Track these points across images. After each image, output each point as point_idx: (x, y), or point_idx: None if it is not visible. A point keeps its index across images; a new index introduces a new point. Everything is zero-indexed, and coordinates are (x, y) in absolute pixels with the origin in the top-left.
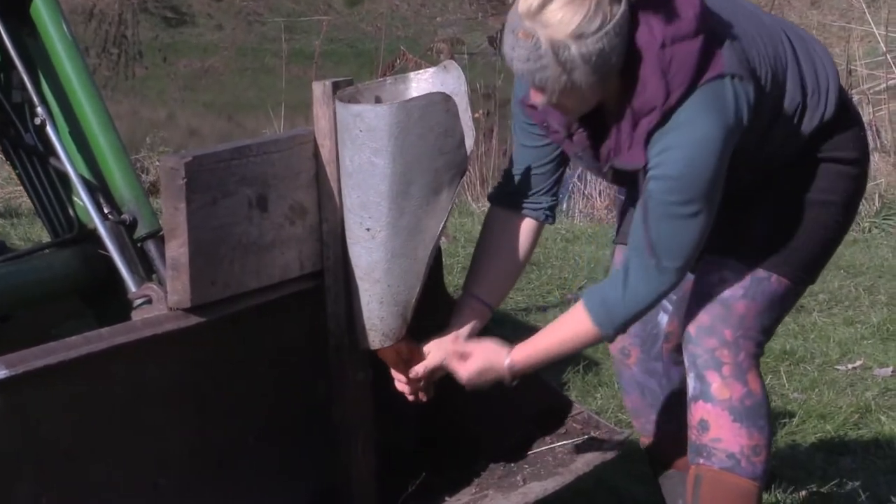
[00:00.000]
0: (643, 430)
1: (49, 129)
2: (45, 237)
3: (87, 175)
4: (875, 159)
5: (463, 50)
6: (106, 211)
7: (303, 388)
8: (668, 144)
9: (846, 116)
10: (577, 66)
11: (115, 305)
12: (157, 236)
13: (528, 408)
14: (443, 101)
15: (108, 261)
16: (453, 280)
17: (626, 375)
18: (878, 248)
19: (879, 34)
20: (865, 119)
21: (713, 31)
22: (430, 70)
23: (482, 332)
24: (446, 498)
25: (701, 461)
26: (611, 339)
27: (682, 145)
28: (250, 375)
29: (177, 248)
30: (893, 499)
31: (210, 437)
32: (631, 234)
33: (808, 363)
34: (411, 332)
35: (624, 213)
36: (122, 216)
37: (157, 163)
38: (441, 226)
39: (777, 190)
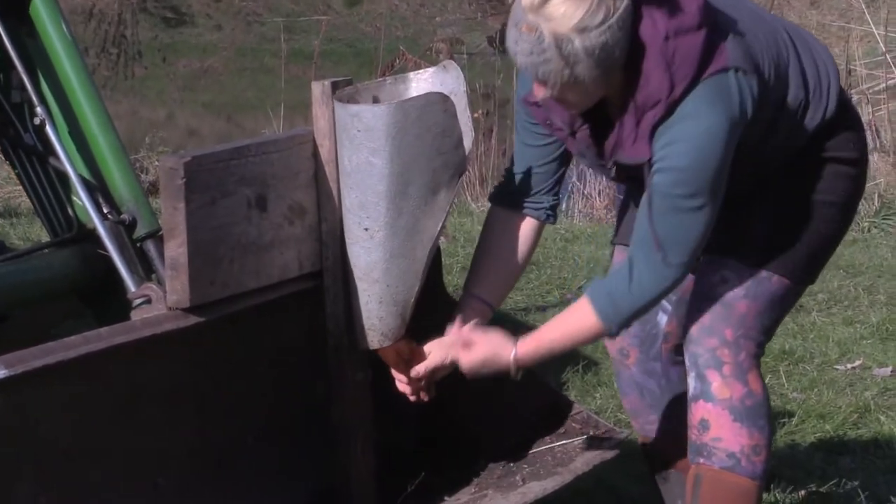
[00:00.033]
0: (642, 430)
1: (48, 129)
2: (45, 237)
3: (86, 175)
4: (874, 159)
5: (462, 50)
6: (105, 211)
7: (302, 388)
8: (673, 137)
9: (846, 116)
10: (581, 59)
11: (114, 305)
12: (157, 236)
13: (527, 408)
14: (441, 101)
15: (108, 261)
16: (452, 280)
17: (624, 376)
18: (878, 248)
19: (879, 34)
20: (865, 119)
21: (716, 26)
22: (430, 70)
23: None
24: (445, 497)
25: (701, 461)
26: (614, 335)
27: (688, 137)
28: (249, 375)
29: (176, 248)
30: (893, 498)
31: (209, 437)
32: (635, 229)
33: (807, 363)
34: (411, 332)
35: (623, 213)
36: (122, 216)
37: (157, 163)
38: (439, 226)
39: (778, 190)
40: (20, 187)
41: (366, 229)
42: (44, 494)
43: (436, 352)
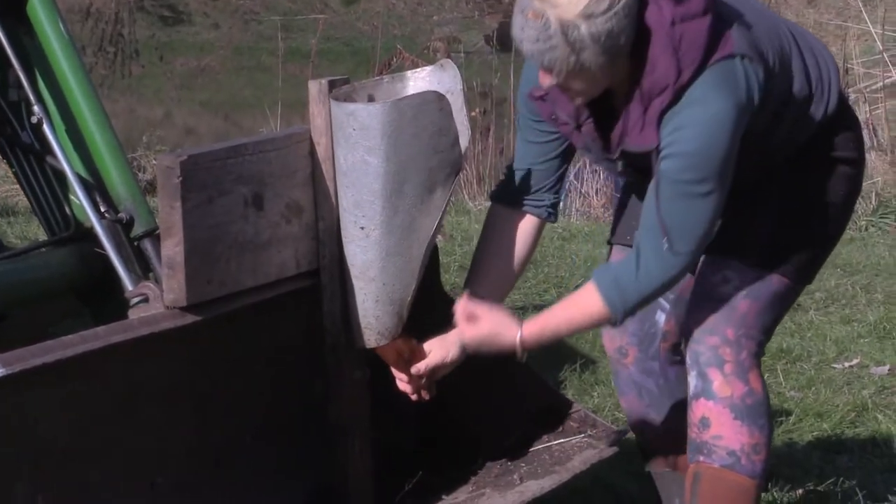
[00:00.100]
0: (640, 430)
1: (45, 128)
2: (42, 236)
3: (83, 173)
4: (872, 158)
5: (459, 48)
6: (102, 209)
7: (299, 387)
8: (681, 122)
9: (845, 116)
10: (587, 45)
11: (111, 304)
12: (154, 235)
13: (525, 406)
14: (436, 99)
15: (105, 259)
16: (450, 278)
17: (623, 375)
18: (875, 247)
19: (876, 33)
20: (862, 118)
21: (720, 15)
22: (427, 69)
23: None
24: (443, 496)
25: (701, 459)
26: (619, 322)
27: (696, 123)
28: (247, 374)
29: (173, 247)
30: (891, 497)
31: (207, 436)
32: (642, 218)
33: (804, 361)
34: (408, 331)
35: (620, 212)
36: (119, 215)
37: (154, 161)
38: (436, 224)
39: (780, 190)
40: (17, 186)
41: (362, 228)
42: (42, 493)
43: (436, 350)
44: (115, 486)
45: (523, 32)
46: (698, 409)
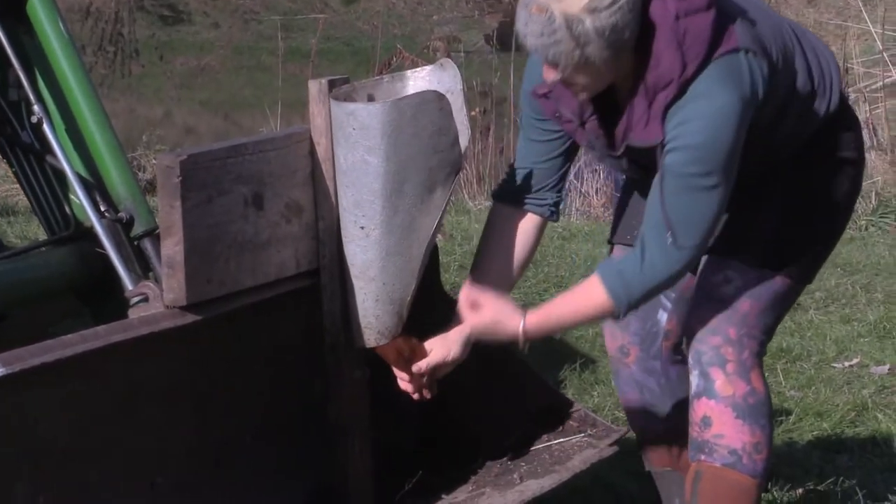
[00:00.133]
0: (640, 429)
1: (45, 127)
2: (42, 235)
3: (83, 173)
4: (872, 157)
5: (459, 48)
6: (102, 209)
7: (299, 387)
8: (686, 116)
9: (846, 115)
10: (591, 40)
11: (111, 303)
12: (154, 234)
13: (525, 406)
14: (436, 99)
15: (105, 259)
16: (450, 278)
17: (624, 374)
18: (875, 246)
19: (876, 32)
20: (862, 117)
21: (724, 11)
22: (427, 68)
23: None
24: (443, 496)
25: (702, 457)
26: (622, 315)
27: (701, 116)
28: (247, 374)
29: (172, 246)
30: (890, 496)
31: (207, 436)
32: (647, 212)
33: (804, 361)
34: (408, 331)
35: (621, 212)
36: (119, 214)
37: (154, 161)
38: (435, 224)
39: (783, 187)
40: (17, 185)
41: (362, 227)
42: (42, 493)
43: (438, 348)
44: (115, 486)
45: (527, 27)
46: (700, 409)
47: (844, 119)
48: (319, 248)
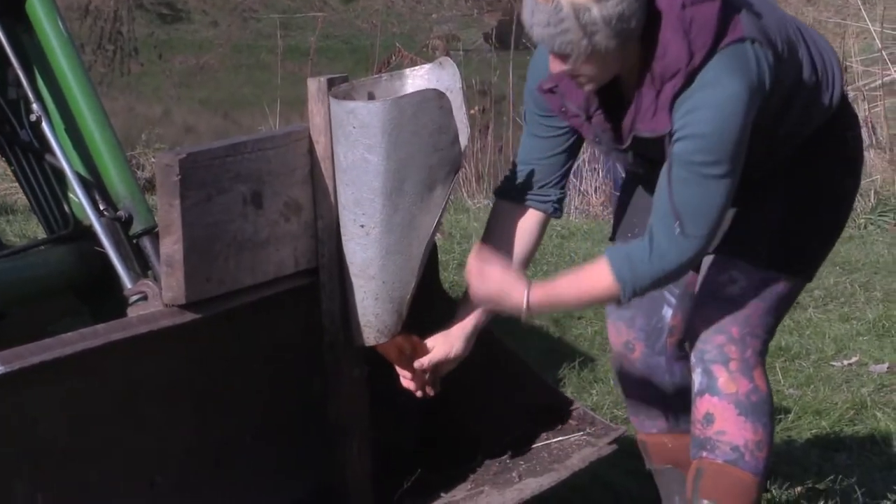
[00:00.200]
0: (642, 426)
1: (45, 126)
2: (41, 234)
3: (82, 171)
4: (871, 156)
5: (458, 46)
6: (101, 207)
7: (298, 385)
8: (694, 105)
9: (846, 113)
10: (599, 28)
11: (110, 302)
12: (153, 233)
13: (523, 404)
14: (436, 97)
15: (104, 257)
16: (448, 276)
17: (628, 370)
18: (874, 245)
19: (875, 31)
20: (861, 116)
21: (729, 1)
22: (426, 66)
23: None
24: (442, 494)
25: (704, 454)
26: (626, 300)
27: (709, 105)
28: (246, 372)
29: (171, 245)
30: (889, 495)
31: (206, 435)
32: (655, 202)
33: (803, 359)
34: (408, 329)
35: (621, 210)
36: (118, 213)
37: (153, 159)
38: (435, 222)
39: (787, 180)
40: (16, 184)
41: (362, 226)
42: (41, 492)
43: (440, 346)
44: (114, 485)
45: (534, 17)
46: (702, 406)
47: (845, 115)
48: (318, 246)
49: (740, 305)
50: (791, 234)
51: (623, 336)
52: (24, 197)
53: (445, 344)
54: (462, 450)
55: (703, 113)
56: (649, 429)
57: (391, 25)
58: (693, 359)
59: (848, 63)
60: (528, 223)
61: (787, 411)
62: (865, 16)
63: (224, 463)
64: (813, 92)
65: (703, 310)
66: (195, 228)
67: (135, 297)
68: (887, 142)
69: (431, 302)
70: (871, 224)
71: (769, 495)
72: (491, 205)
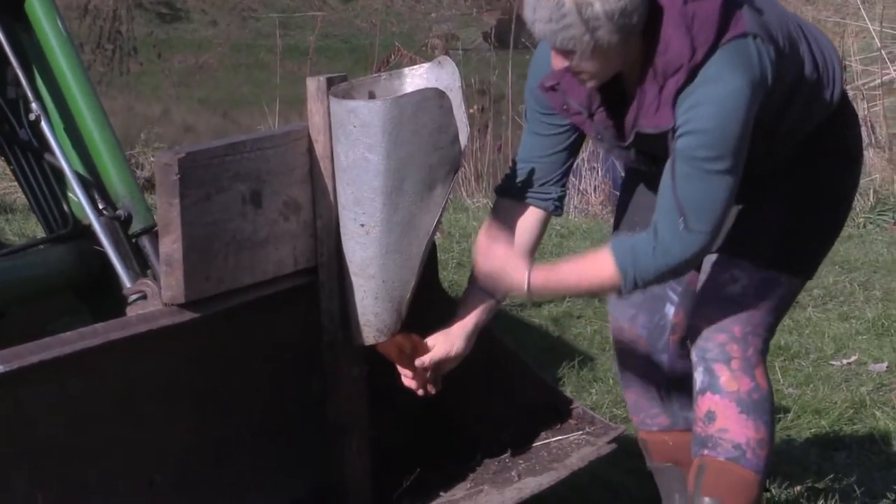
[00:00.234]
0: (642, 424)
1: (44, 125)
2: (40, 233)
3: (81, 171)
4: (870, 155)
5: (458, 45)
6: (100, 206)
7: (297, 385)
8: (697, 100)
9: (846, 111)
10: (602, 23)
11: (109, 301)
12: (152, 232)
13: (523, 403)
14: (437, 96)
15: (103, 256)
16: (447, 276)
17: (630, 368)
18: (873, 244)
19: (874, 30)
20: (860, 115)
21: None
22: (425, 66)
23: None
24: (441, 493)
25: (705, 452)
26: (626, 292)
27: (712, 100)
28: (245, 371)
29: (170, 244)
30: (888, 494)
31: (205, 434)
32: (659, 199)
33: (802, 359)
34: (407, 328)
35: (622, 209)
36: (117, 212)
37: (152, 159)
38: (435, 221)
39: (787, 179)
40: (15, 183)
41: (362, 225)
42: (41, 491)
43: (440, 344)
44: (113, 484)
45: (536, 13)
46: (704, 404)
47: (845, 112)
48: (317, 245)
49: (742, 304)
50: (791, 235)
51: (625, 334)
52: (24, 196)
53: (446, 342)
54: (461, 449)
55: (706, 108)
56: (650, 427)
57: (390, 25)
58: (695, 357)
59: (847, 62)
60: (528, 221)
61: (786, 410)
62: (864, 15)
63: (223, 462)
64: (814, 88)
65: (705, 309)
66: (194, 227)
67: (134, 297)
68: (886, 141)
69: (430, 301)
70: (871, 223)
71: (769, 494)
72: (490, 204)
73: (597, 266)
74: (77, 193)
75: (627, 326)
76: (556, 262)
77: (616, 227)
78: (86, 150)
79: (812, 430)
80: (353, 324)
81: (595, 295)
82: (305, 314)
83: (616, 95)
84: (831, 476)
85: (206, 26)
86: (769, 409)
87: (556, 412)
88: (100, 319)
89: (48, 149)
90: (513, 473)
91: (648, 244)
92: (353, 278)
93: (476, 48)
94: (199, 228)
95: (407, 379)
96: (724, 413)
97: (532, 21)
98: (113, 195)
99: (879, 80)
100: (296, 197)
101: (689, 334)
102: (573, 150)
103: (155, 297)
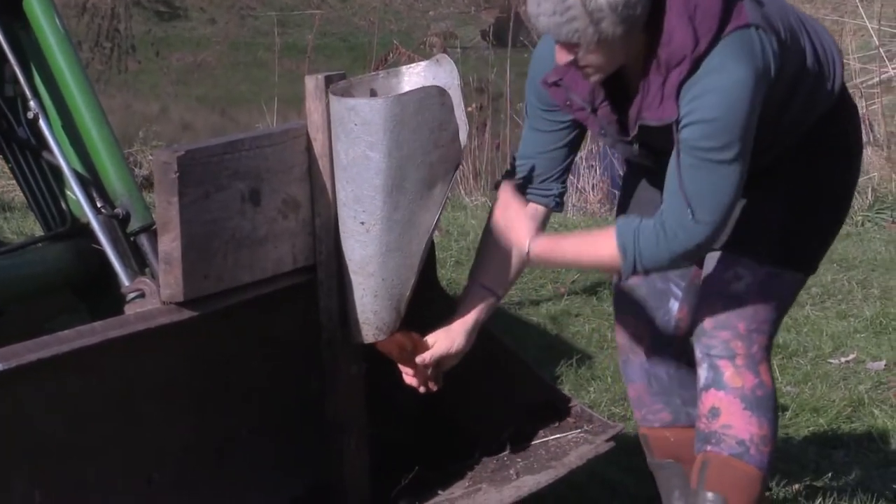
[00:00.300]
0: (644, 420)
1: (42, 123)
2: (38, 231)
3: (79, 169)
4: (868, 153)
5: (456, 44)
6: (99, 205)
7: (296, 383)
8: (701, 90)
9: (847, 102)
10: (605, 15)
11: (108, 299)
12: (150, 230)
13: (521, 402)
14: (438, 94)
15: (101, 255)
16: (446, 274)
17: (633, 363)
18: (871, 242)
19: (872, 28)
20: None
21: None
22: (423, 64)
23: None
24: (440, 492)
25: (708, 448)
26: (626, 275)
27: (716, 90)
28: (243, 370)
29: (169, 242)
30: (887, 492)
31: (204, 432)
32: (665, 190)
33: (801, 357)
34: (405, 326)
35: (624, 206)
36: (115, 210)
37: (151, 157)
38: (435, 219)
39: (787, 178)
40: (13, 181)
41: (362, 223)
42: (39, 489)
43: (441, 340)
44: (112, 482)
45: (540, 7)
46: (708, 400)
47: (846, 106)
48: (316, 244)
49: (746, 302)
50: (791, 234)
51: (630, 329)
52: (22, 194)
53: (447, 339)
54: (460, 447)
55: (709, 98)
56: (652, 422)
57: (388, 23)
58: (699, 354)
59: (845, 60)
60: (529, 217)
61: (784, 409)
62: (863, 13)
63: (222, 460)
64: (816, 79)
65: (709, 305)
66: (193, 226)
67: (132, 295)
68: (885, 139)
69: (429, 299)
70: (869, 221)
71: (767, 492)
72: (490, 202)
73: (599, 243)
74: (75, 192)
75: (632, 321)
76: (559, 235)
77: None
78: (84, 149)
79: (810, 429)
80: (352, 322)
81: (594, 269)
82: (304, 312)
83: (619, 90)
84: (829, 474)
85: (204, 24)
86: (773, 407)
87: (555, 410)
88: (98, 318)
89: (46, 147)
90: (511, 472)
91: (653, 231)
92: (353, 276)
93: (474, 46)
94: (197, 227)
95: (408, 377)
96: (728, 409)
97: (536, 15)
98: (111, 193)
99: (878, 78)
100: (294, 195)
101: (693, 331)
102: (574, 146)
103: (153, 295)
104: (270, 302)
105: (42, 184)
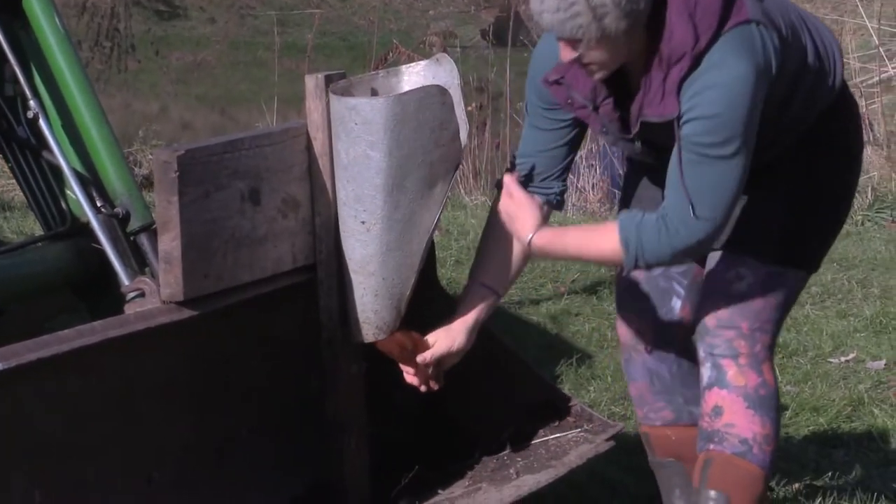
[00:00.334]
0: (646, 418)
1: (41, 123)
2: (38, 230)
3: (79, 168)
4: (868, 152)
5: (455, 43)
6: (99, 204)
7: (296, 382)
8: (702, 86)
9: (847, 100)
10: (609, 10)
11: (107, 299)
12: (150, 229)
13: (521, 401)
14: (439, 93)
15: (101, 254)
16: (446, 273)
17: (636, 361)
18: (871, 241)
19: (872, 27)
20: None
21: None
22: (423, 63)
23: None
24: (440, 491)
25: (711, 447)
26: (628, 268)
27: (717, 85)
28: (243, 369)
29: (169, 242)
30: (887, 492)
31: (204, 431)
32: (667, 187)
33: (800, 356)
34: (405, 325)
35: (625, 204)
36: (115, 209)
37: (150, 156)
38: (435, 218)
39: (787, 178)
40: (13, 181)
41: (362, 222)
42: (39, 488)
43: (442, 339)
44: (111, 481)
45: (543, 4)
46: (711, 399)
47: (846, 103)
48: (316, 243)
49: (749, 301)
50: (792, 234)
51: (632, 327)
52: (22, 194)
53: (448, 338)
54: (460, 446)
55: (710, 94)
56: (653, 421)
57: (388, 22)
58: (702, 353)
59: (845, 60)
60: None
61: (784, 408)
62: (863, 12)
63: (222, 459)
64: (817, 76)
65: (712, 305)
66: (193, 225)
67: (132, 294)
68: (884, 138)
69: (429, 299)
70: (869, 221)
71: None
72: (489, 202)
73: (601, 239)
74: (75, 191)
75: (635, 320)
76: (562, 227)
77: None
78: (84, 148)
79: (810, 428)
80: (353, 321)
81: (596, 262)
82: (304, 311)
83: (621, 87)
84: (829, 473)
85: (204, 24)
86: (775, 406)
87: (555, 410)
88: (98, 317)
89: (46, 146)
90: (511, 471)
91: (655, 226)
92: (353, 275)
93: (474, 46)
94: (197, 226)
95: (409, 376)
96: (731, 408)
97: (539, 12)
98: (111, 193)
99: (877, 78)
100: (294, 194)
101: (696, 330)
102: (574, 145)
103: (153, 294)
104: (270, 301)
105: (42, 183)
